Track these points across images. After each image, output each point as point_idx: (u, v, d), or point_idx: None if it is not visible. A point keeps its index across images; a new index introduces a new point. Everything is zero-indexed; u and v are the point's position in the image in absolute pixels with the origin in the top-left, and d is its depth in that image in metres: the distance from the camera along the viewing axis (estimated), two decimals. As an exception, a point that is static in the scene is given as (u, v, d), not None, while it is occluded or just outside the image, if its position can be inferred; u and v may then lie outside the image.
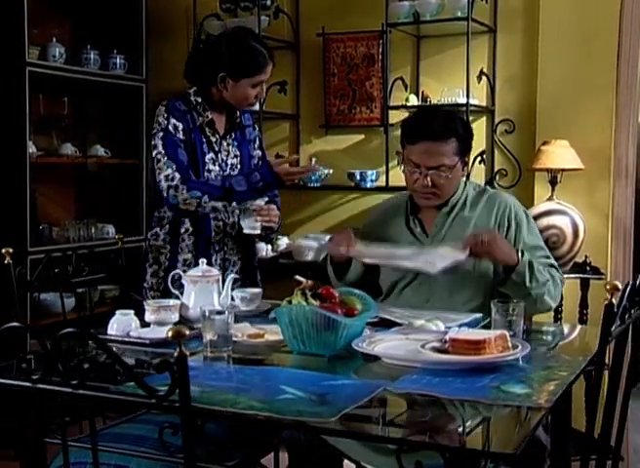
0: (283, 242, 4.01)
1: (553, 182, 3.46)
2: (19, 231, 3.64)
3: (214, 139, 2.79)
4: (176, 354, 1.24)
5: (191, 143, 2.72)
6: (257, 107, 3.96)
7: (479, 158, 3.75)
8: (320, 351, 1.99)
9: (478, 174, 3.79)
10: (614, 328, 1.63)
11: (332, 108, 4.12)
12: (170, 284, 2.38)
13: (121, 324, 2.19)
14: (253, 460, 2.46)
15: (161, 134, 2.68)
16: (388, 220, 2.66)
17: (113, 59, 4.16)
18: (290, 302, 2.03)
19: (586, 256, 3.42)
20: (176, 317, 2.28)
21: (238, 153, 2.87)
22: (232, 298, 2.51)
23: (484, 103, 3.81)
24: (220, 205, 2.73)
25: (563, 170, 3.45)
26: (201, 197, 2.64)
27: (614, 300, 1.57)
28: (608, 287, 1.57)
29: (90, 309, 2.67)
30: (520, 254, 2.39)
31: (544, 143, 3.46)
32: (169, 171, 2.65)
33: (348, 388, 1.70)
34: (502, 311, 2.06)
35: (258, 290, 2.56)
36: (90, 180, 4.31)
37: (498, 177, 3.82)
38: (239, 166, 2.86)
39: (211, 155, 2.78)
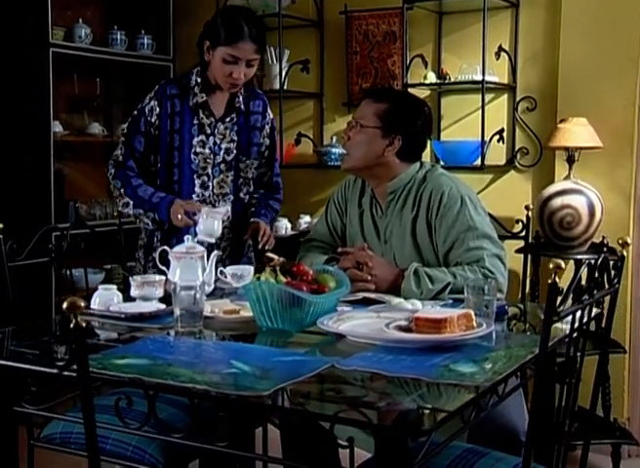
0: (303, 221, 4.03)
1: (570, 161, 3.38)
2: (43, 208, 3.75)
3: (207, 122, 2.78)
4: (71, 326, 1.27)
5: (171, 128, 2.75)
6: (277, 86, 3.98)
7: (497, 136, 3.68)
8: (287, 327, 2.01)
9: (498, 152, 3.73)
10: (562, 308, 1.59)
11: (354, 86, 4.09)
12: (157, 260, 2.43)
13: (103, 298, 2.25)
14: (239, 436, 2.49)
15: (135, 113, 2.79)
16: (355, 198, 2.65)
17: (141, 40, 4.23)
18: (259, 279, 2.05)
19: (604, 237, 3.33)
20: (160, 292, 2.33)
21: (236, 138, 2.84)
22: (225, 275, 2.56)
23: (505, 81, 3.73)
24: (133, 202, 2.76)
25: (580, 148, 3.36)
26: (119, 189, 2.77)
27: (557, 279, 1.53)
28: (551, 265, 1.54)
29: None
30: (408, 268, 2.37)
31: (562, 121, 3.38)
32: (119, 151, 2.80)
33: (296, 364, 1.71)
34: (475, 290, 2.04)
35: (249, 267, 2.59)
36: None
37: (519, 156, 3.74)
38: (235, 151, 2.83)
39: (201, 137, 2.78)
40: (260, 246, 2.75)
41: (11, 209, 3.74)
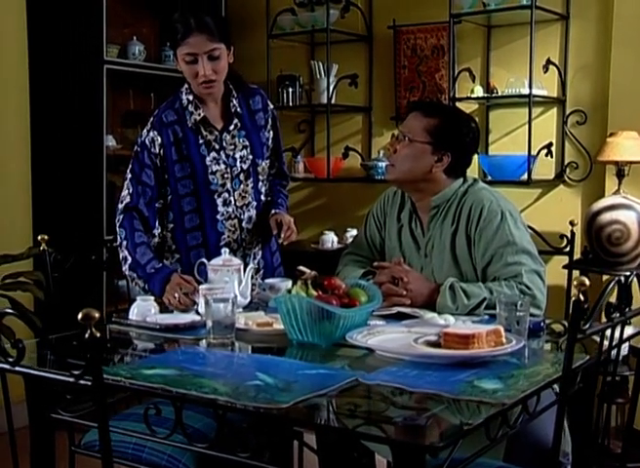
0: (350, 234, 4.04)
1: (620, 175, 3.32)
2: (96, 219, 3.84)
3: (212, 137, 2.65)
4: (86, 336, 1.30)
5: (179, 157, 2.62)
6: (324, 100, 4.01)
7: (545, 150, 3.64)
8: (317, 341, 2.01)
9: (547, 166, 3.68)
10: (588, 326, 1.56)
11: (402, 100, 4.10)
12: (195, 272, 2.46)
13: (141, 309, 2.29)
14: (265, 448, 2.48)
15: (137, 149, 2.65)
16: (394, 212, 2.63)
17: (193, 56, 4.30)
18: (290, 292, 2.06)
19: (654, 253, 3.26)
20: (197, 305, 2.37)
21: (247, 143, 2.70)
22: (263, 288, 2.58)
23: (554, 94, 3.69)
24: (130, 261, 2.53)
25: (630, 162, 3.30)
26: (121, 241, 2.57)
27: (581, 297, 1.51)
28: (575, 282, 1.51)
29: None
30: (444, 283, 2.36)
31: (611, 135, 3.33)
32: (125, 192, 2.62)
33: (320, 377, 1.72)
34: (507, 306, 2.02)
35: (287, 280, 2.60)
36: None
37: (568, 171, 3.69)
38: (250, 156, 2.69)
39: (212, 155, 2.64)
40: (281, 241, 2.65)
41: (64, 221, 3.85)
